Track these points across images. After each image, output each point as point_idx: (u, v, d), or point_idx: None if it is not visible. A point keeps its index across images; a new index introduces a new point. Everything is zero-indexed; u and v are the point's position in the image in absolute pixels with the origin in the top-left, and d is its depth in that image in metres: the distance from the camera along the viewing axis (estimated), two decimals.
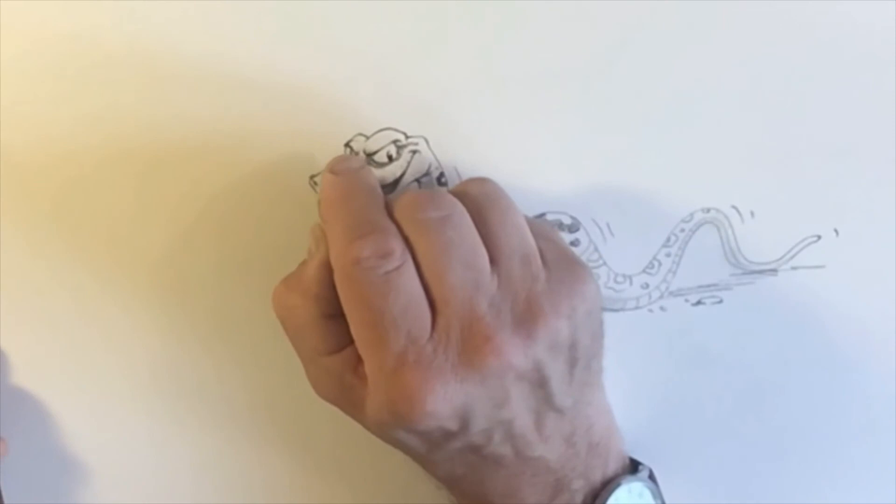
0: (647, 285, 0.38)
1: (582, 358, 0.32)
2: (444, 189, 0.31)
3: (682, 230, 0.37)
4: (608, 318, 0.38)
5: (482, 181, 0.32)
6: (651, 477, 0.36)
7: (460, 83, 0.34)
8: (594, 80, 0.35)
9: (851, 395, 0.40)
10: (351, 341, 0.31)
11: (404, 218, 0.30)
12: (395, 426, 0.30)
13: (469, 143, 0.35)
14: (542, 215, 0.36)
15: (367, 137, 0.35)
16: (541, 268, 0.31)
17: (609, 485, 0.34)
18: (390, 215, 0.30)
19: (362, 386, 0.31)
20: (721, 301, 0.38)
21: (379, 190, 0.32)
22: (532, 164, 0.36)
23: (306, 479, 0.40)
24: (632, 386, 0.38)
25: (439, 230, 0.29)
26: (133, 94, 0.33)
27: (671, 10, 0.34)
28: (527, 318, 0.29)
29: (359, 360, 0.31)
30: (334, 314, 0.31)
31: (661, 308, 0.38)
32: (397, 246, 0.29)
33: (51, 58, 0.33)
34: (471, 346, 0.29)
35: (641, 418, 0.39)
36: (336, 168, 0.32)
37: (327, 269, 0.31)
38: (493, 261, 0.30)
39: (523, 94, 0.35)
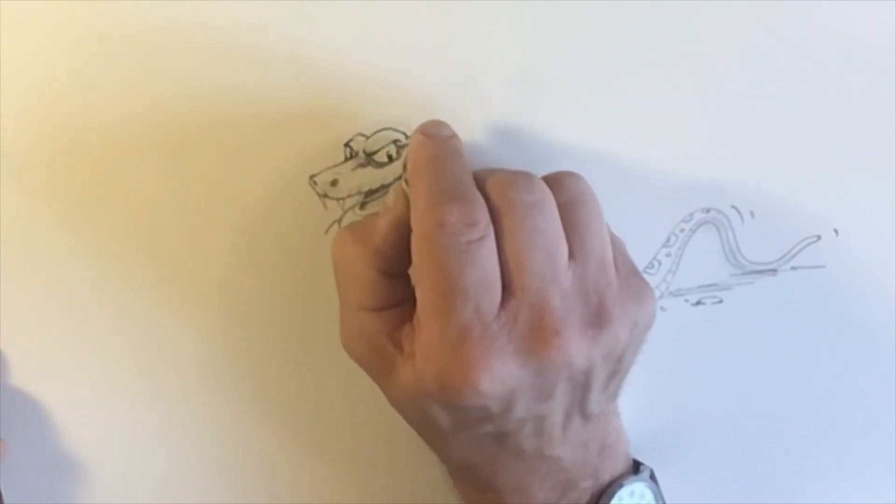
0: None
1: (622, 371, 0.32)
2: (536, 175, 0.31)
3: (682, 230, 0.37)
4: None
5: (576, 177, 0.32)
6: (652, 477, 0.36)
7: (460, 83, 0.34)
8: (594, 80, 0.35)
9: (851, 395, 0.40)
10: (396, 304, 0.31)
11: (495, 194, 0.29)
12: (438, 398, 0.29)
13: (469, 143, 0.35)
14: None
15: (367, 137, 0.35)
16: (614, 275, 0.31)
17: (612, 485, 0.34)
18: (480, 188, 0.30)
19: (395, 352, 0.31)
20: (721, 301, 0.38)
21: (468, 160, 0.31)
22: (532, 164, 0.36)
23: (310, 477, 0.40)
24: (632, 386, 0.38)
25: (528, 214, 0.29)
26: (133, 94, 0.33)
27: (671, 9, 0.34)
28: (595, 321, 0.30)
29: (397, 325, 0.31)
30: (390, 273, 0.31)
31: (661, 308, 0.38)
32: (483, 217, 0.28)
33: (51, 58, 0.33)
34: (537, 335, 0.29)
35: (641, 418, 0.38)
36: (428, 131, 0.31)
37: (398, 227, 0.30)
38: (572, 257, 0.30)
39: (523, 93, 0.35)
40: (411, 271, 0.30)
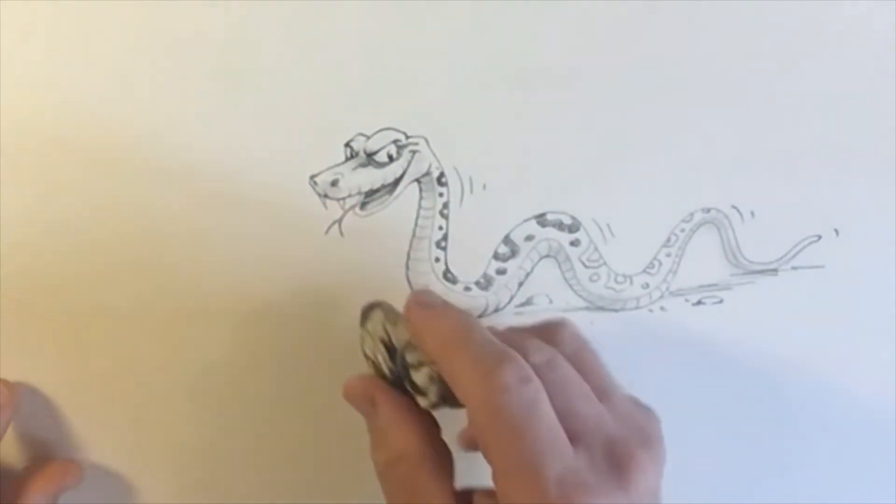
0: (647, 285, 0.38)
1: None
2: (531, 337, 0.32)
3: (682, 230, 0.37)
4: (608, 317, 0.38)
5: (566, 326, 0.34)
6: None
7: (460, 83, 0.34)
8: (594, 80, 0.35)
9: (851, 394, 0.40)
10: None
11: None
12: None
13: (469, 143, 0.35)
14: (542, 215, 0.36)
15: (368, 137, 0.35)
16: (624, 399, 0.32)
17: None
18: None
19: None
20: (721, 301, 0.38)
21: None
22: (532, 164, 0.36)
23: (313, 474, 0.40)
24: (632, 386, 0.38)
25: (553, 370, 0.30)
26: (132, 94, 0.33)
27: (671, 10, 0.34)
28: (645, 441, 0.30)
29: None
30: (441, 465, 0.31)
31: (662, 308, 0.38)
32: (531, 370, 0.29)
33: (50, 59, 0.33)
34: (618, 464, 0.29)
35: None
36: (425, 301, 0.32)
37: (408, 423, 0.31)
38: (600, 397, 0.31)
39: (523, 94, 0.35)
40: (478, 442, 0.29)
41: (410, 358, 0.31)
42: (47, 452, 0.38)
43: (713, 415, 0.40)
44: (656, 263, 0.37)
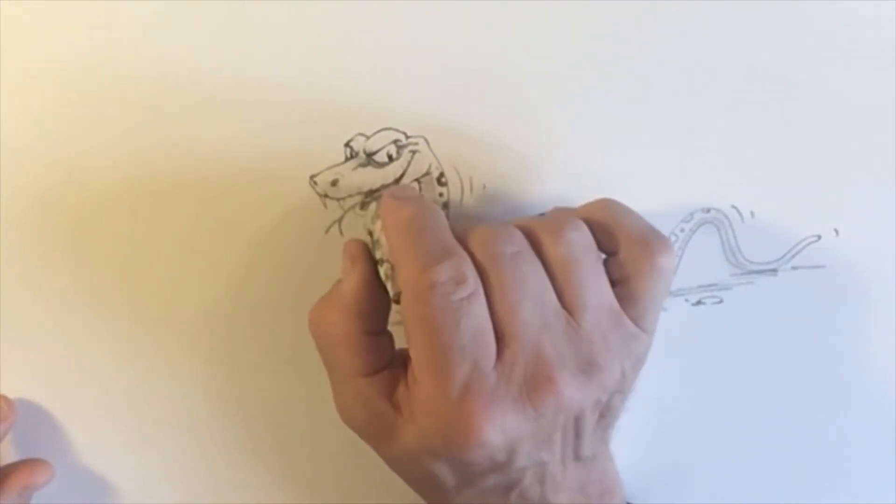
0: None
1: (611, 415, 0.33)
2: (512, 225, 0.31)
3: (682, 230, 0.37)
4: None
5: (574, 227, 0.31)
6: None
7: (461, 83, 0.34)
8: (594, 80, 0.35)
9: (851, 394, 0.40)
10: (386, 366, 0.32)
11: (477, 249, 0.30)
12: (443, 454, 0.30)
13: (469, 143, 0.35)
14: (542, 215, 0.36)
15: (368, 137, 0.35)
16: (608, 324, 0.31)
17: None
18: (461, 244, 0.30)
19: (395, 414, 0.31)
20: (721, 301, 0.38)
21: (445, 218, 0.32)
22: (532, 164, 0.36)
23: (314, 474, 0.40)
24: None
25: (514, 265, 0.30)
26: (132, 95, 0.33)
27: (671, 10, 0.34)
28: (586, 368, 0.30)
29: (392, 387, 0.31)
30: (374, 332, 0.32)
31: (662, 308, 0.38)
32: (471, 273, 0.29)
33: (56, 62, 0.33)
34: (533, 383, 0.29)
35: (641, 418, 0.38)
36: (398, 194, 0.32)
37: (368, 286, 0.31)
38: (564, 306, 0.30)
39: (523, 94, 0.35)
40: (403, 331, 0.30)
41: (377, 253, 0.32)
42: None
43: (713, 415, 0.40)
44: None
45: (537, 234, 0.31)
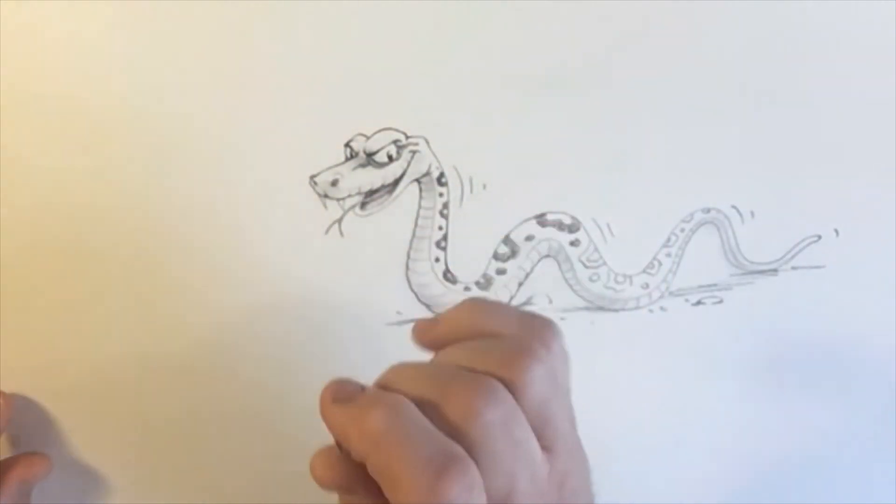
0: (647, 285, 0.38)
1: None
2: (490, 378, 0.27)
3: (682, 230, 0.37)
4: (608, 317, 0.38)
5: (540, 363, 0.28)
6: None
7: (460, 83, 0.34)
8: (594, 81, 0.35)
9: (851, 394, 0.40)
10: None
11: (464, 420, 0.26)
12: None
13: (469, 143, 0.35)
14: (542, 215, 0.36)
15: (368, 137, 0.35)
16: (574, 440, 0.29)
17: None
18: (438, 409, 0.27)
19: None
20: (721, 301, 0.38)
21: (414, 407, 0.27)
22: (532, 164, 0.36)
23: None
24: (632, 386, 0.38)
25: (507, 435, 0.27)
26: (133, 94, 0.33)
27: (671, 10, 0.34)
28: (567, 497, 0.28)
29: None
30: None
31: (661, 308, 0.38)
32: (476, 473, 0.26)
33: (49, 59, 0.33)
34: None
35: (641, 418, 0.39)
36: (338, 394, 0.27)
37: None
38: (546, 449, 0.28)
39: (523, 94, 0.35)
40: None
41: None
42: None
43: (712, 414, 0.40)
44: (656, 263, 0.37)
45: (502, 376, 0.27)
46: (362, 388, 0.28)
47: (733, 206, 0.37)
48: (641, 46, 0.34)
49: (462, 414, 0.26)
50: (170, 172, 0.35)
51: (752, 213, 0.37)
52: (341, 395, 0.27)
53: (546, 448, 0.28)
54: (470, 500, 0.26)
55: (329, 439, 0.32)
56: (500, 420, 0.26)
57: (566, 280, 0.37)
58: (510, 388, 0.27)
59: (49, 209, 0.35)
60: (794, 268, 0.38)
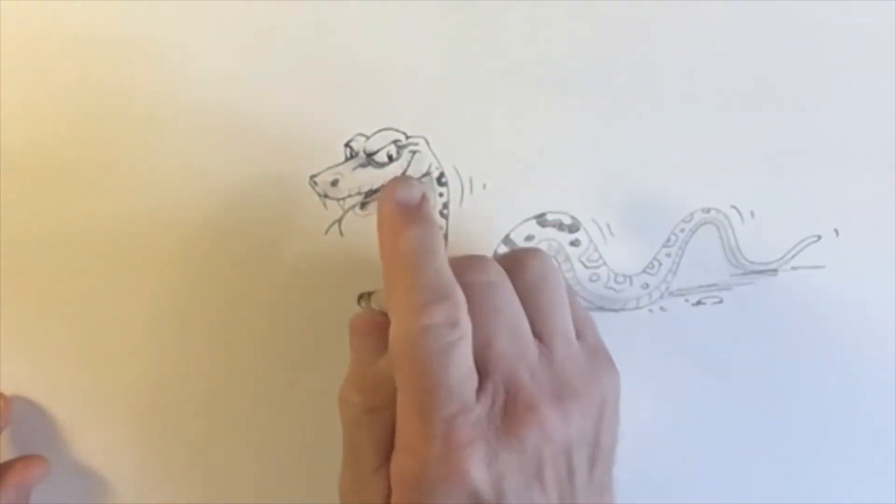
0: (647, 285, 0.38)
1: (602, 457, 0.31)
2: (486, 256, 0.31)
3: (682, 230, 0.37)
4: (608, 317, 0.38)
5: (537, 256, 0.31)
6: None
7: (460, 83, 0.34)
8: (594, 81, 0.35)
9: (851, 394, 0.40)
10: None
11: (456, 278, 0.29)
12: (429, 493, 0.28)
13: (469, 143, 0.35)
14: (542, 215, 0.36)
15: (367, 137, 0.35)
16: (579, 350, 0.31)
17: None
18: None
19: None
20: (721, 301, 0.38)
21: (441, 237, 0.31)
22: (532, 164, 0.36)
23: (314, 471, 0.40)
24: (632, 386, 0.38)
25: (488, 295, 0.29)
26: (133, 94, 0.33)
27: (672, 10, 0.34)
28: (565, 394, 0.29)
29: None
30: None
31: (661, 308, 0.38)
32: (463, 314, 0.28)
33: (50, 54, 0.33)
34: (513, 413, 0.28)
35: (641, 418, 0.39)
36: (401, 197, 0.31)
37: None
38: (537, 335, 0.30)
39: (524, 94, 0.35)
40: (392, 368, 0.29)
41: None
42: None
43: (713, 414, 0.40)
44: (656, 263, 0.37)
45: (504, 264, 0.31)
46: (424, 196, 0.31)
47: (733, 206, 0.37)
48: (642, 46, 0.34)
49: (455, 272, 0.29)
50: (169, 172, 0.35)
51: (752, 213, 0.37)
52: (404, 196, 0.31)
53: (538, 336, 0.30)
54: (447, 333, 0.28)
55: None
56: (483, 283, 0.29)
57: (566, 280, 0.37)
58: (505, 268, 0.30)
59: (49, 209, 0.35)
60: (794, 268, 0.38)
